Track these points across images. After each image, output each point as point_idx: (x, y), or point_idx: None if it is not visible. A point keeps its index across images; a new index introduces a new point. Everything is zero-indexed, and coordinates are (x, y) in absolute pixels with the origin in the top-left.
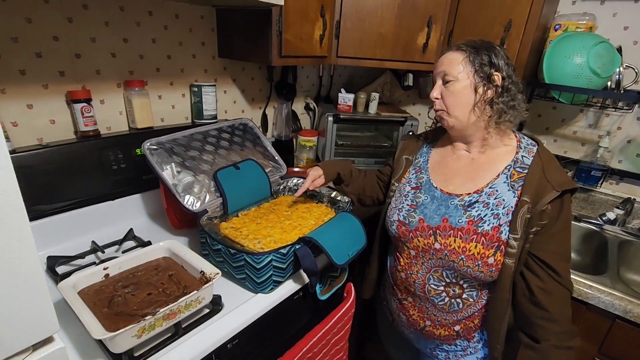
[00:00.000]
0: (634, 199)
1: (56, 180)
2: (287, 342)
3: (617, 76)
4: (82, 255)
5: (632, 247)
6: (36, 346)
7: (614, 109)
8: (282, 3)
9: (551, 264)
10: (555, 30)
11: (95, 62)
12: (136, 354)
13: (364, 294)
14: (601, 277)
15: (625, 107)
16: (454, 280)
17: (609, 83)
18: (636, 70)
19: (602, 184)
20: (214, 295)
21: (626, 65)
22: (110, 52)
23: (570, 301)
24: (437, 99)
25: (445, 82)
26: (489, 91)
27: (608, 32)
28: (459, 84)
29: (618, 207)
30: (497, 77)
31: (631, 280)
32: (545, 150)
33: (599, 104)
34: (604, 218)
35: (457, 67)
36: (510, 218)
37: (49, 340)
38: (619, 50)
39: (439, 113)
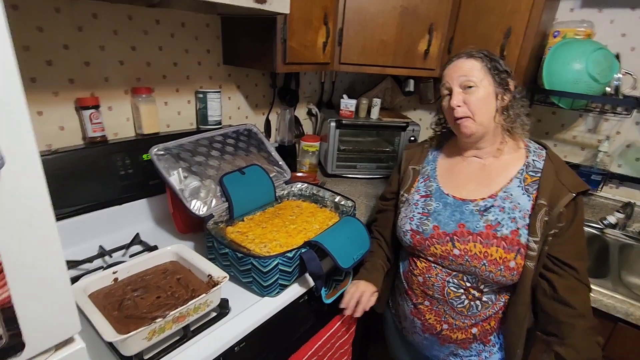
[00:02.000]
0: (634, 203)
1: (65, 186)
2: (292, 345)
3: (616, 82)
4: (90, 260)
5: (633, 250)
6: (58, 346)
7: (613, 114)
8: (288, 11)
9: (571, 264)
10: (554, 37)
11: (104, 69)
12: (146, 357)
13: (379, 309)
14: (603, 280)
15: (624, 112)
16: (474, 285)
17: (607, 89)
18: (634, 77)
19: (602, 188)
20: (221, 298)
21: (624, 72)
22: (118, 60)
23: None
24: (459, 106)
25: (465, 88)
26: (506, 97)
27: (606, 39)
28: (482, 90)
29: (619, 211)
30: (511, 84)
31: (632, 283)
32: (555, 154)
33: (598, 109)
34: (604, 222)
35: (477, 73)
36: (527, 221)
37: (69, 340)
38: (617, 56)
39: (461, 121)
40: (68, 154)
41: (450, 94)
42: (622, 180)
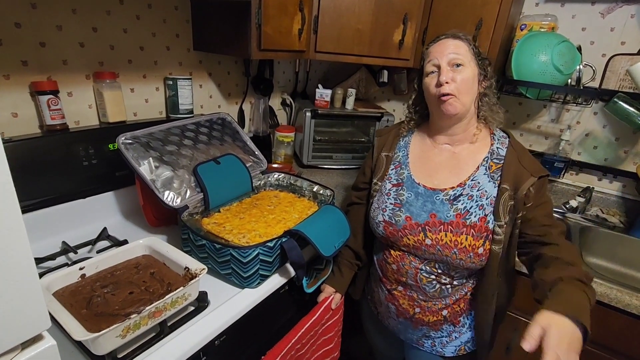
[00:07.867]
0: (593, 188)
1: (21, 178)
2: (274, 336)
3: (577, 74)
4: (52, 257)
5: (592, 232)
6: (25, 344)
7: (574, 105)
8: None
9: (545, 223)
10: (522, 30)
11: (61, 51)
12: (120, 355)
13: (355, 295)
14: None
15: (583, 103)
16: (445, 271)
17: (569, 80)
18: (594, 68)
19: (564, 174)
20: (199, 291)
21: (585, 64)
22: (78, 42)
23: None
24: (447, 82)
25: (453, 66)
26: (485, 83)
27: (568, 32)
28: (469, 70)
29: (579, 196)
30: (490, 71)
31: (593, 263)
32: (517, 141)
33: (561, 100)
34: (567, 206)
35: (465, 53)
36: (493, 207)
37: (38, 337)
38: (579, 49)
39: (447, 98)
40: (23, 142)
41: (436, 72)
42: (582, 167)
